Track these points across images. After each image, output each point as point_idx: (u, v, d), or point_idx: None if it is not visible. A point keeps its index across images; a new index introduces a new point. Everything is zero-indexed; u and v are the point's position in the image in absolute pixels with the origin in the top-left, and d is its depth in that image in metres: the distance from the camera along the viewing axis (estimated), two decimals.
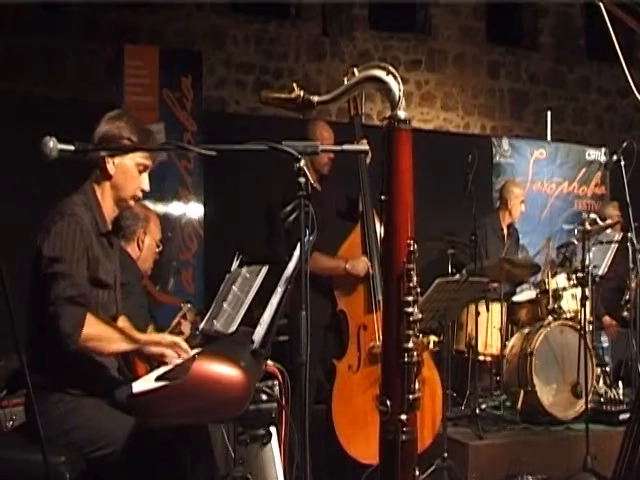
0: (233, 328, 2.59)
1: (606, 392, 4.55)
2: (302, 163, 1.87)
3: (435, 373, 3.84)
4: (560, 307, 4.69)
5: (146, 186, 2.51)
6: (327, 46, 7.85)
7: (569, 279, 4.79)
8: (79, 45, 6.76)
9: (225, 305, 2.79)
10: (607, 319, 5.64)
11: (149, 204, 4.43)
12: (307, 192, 1.86)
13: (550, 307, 4.69)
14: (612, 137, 8.66)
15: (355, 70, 1.87)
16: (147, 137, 2.52)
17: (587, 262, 4.28)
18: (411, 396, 1.77)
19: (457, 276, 4.66)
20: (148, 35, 7.04)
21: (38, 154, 1.85)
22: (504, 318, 4.82)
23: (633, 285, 5.00)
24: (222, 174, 5.49)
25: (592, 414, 4.15)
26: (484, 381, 5.03)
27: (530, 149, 7.17)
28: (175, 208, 5.44)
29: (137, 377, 2.51)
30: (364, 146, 3.33)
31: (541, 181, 7.16)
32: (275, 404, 2.75)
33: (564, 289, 4.75)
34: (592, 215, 4.61)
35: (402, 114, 1.80)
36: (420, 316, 1.79)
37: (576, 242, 4.88)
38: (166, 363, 2.43)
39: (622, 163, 4.31)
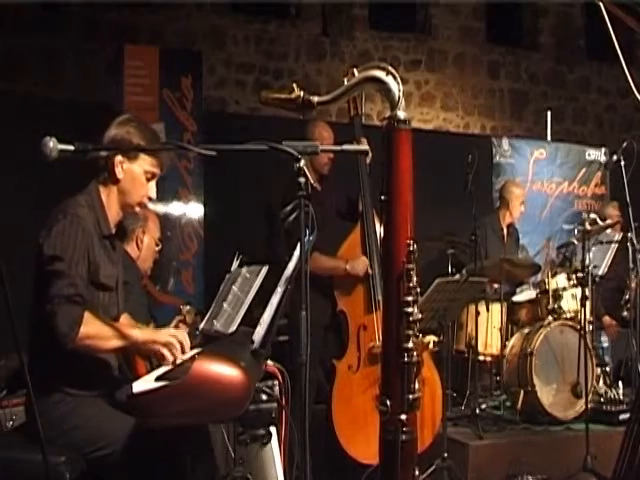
0: (233, 328, 2.59)
1: (606, 392, 4.55)
2: (302, 163, 1.87)
3: (435, 373, 3.84)
4: (560, 307, 4.69)
5: (153, 194, 2.51)
6: (327, 46, 7.85)
7: (569, 279, 4.79)
8: (79, 45, 6.76)
9: (225, 305, 2.79)
10: (607, 319, 5.64)
11: (149, 204, 4.43)
12: (307, 192, 1.86)
13: (550, 307, 4.69)
14: (612, 137, 8.66)
15: (355, 70, 1.87)
16: (155, 142, 2.52)
17: (587, 262, 4.28)
18: (411, 396, 1.77)
19: (457, 276, 4.66)
20: (148, 35, 7.04)
21: (38, 154, 1.85)
22: (504, 318, 4.82)
23: (633, 285, 5.00)
24: (222, 174, 5.49)
25: (592, 414, 4.15)
26: (484, 381, 5.03)
27: (530, 149, 7.17)
28: (175, 208, 5.44)
29: (137, 377, 2.51)
30: (364, 146, 3.34)
31: (541, 181, 7.16)
32: (275, 404, 2.74)
33: (564, 289, 4.75)
34: (592, 215, 4.61)
35: (402, 114, 1.81)
36: (420, 316, 1.79)
37: (576, 242, 4.89)
38: (166, 362, 2.43)
39: (622, 163, 4.31)
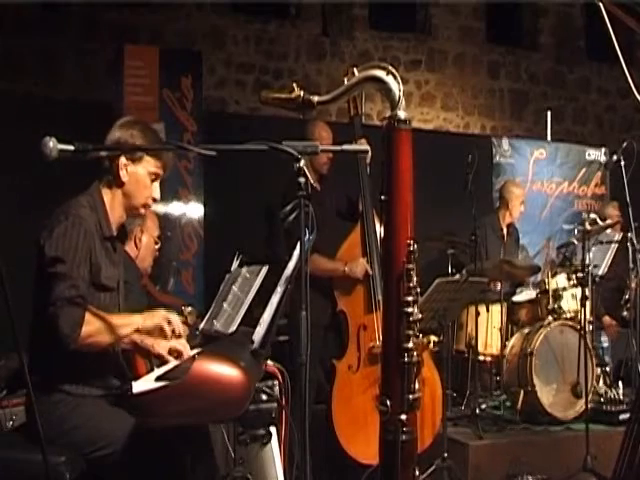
0: (233, 328, 2.59)
1: (606, 392, 4.55)
2: (302, 163, 1.87)
3: (435, 373, 3.84)
4: (560, 307, 4.69)
5: (157, 195, 2.51)
6: (327, 46, 7.85)
7: (569, 279, 4.79)
8: (79, 45, 6.75)
9: (225, 305, 2.79)
10: (607, 319, 5.64)
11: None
12: (307, 192, 1.86)
13: (550, 307, 4.69)
14: (612, 137, 8.66)
15: (355, 70, 1.87)
16: (158, 144, 2.53)
17: (587, 262, 4.28)
18: (411, 396, 1.77)
19: (457, 276, 4.66)
20: (148, 35, 7.03)
21: (38, 154, 1.85)
22: (504, 318, 4.82)
23: (633, 285, 5.00)
24: (222, 174, 5.49)
25: (592, 414, 4.15)
26: (484, 381, 5.03)
27: (530, 149, 7.17)
28: (175, 208, 5.44)
29: (137, 377, 2.51)
30: (364, 146, 3.33)
31: (541, 181, 7.16)
32: (275, 404, 2.75)
33: (564, 289, 4.75)
34: (592, 215, 4.62)
35: (402, 114, 1.81)
36: (420, 316, 1.79)
37: (576, 242, 4.89)
38: (166, 362, 2.44)
39: (622, 163, 4.31)
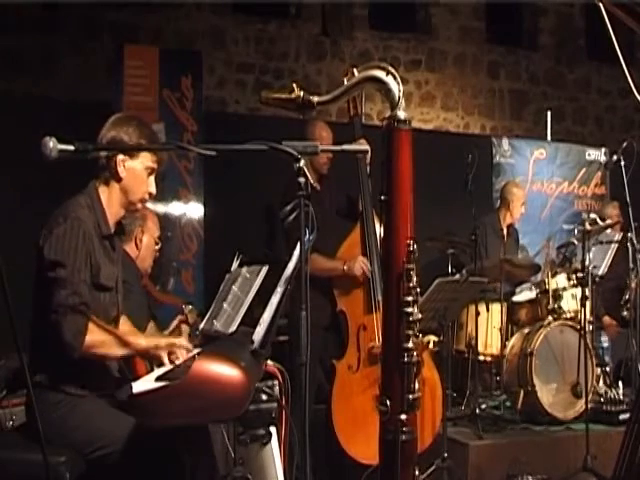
0: (233, 328, 2.59)
1: (606, 392, 4.55)
2: (302, 163, 1.87)
3: (435, 373, 3.83)
4: (560, 307, 4.69)
5: (153, 189, 2.51)
6: (327, 46, 7.85)
7: (569, 279, 4.79)
8: (79, 45, 6.75)
9: (225, 305, 2.79)
10: (607, 319, 5.64)
11: (149, 203, 4.43)
12: (307, 192, 1.86)
13: (550, 307, 4.68)
14: (612, 137, 8.65)
15: (355, 70, 1.87)
16: (152, 138, 2.52)
17: (587, 262, 4.28)
18: (411, 396, 1.77)
19: (457, 276, 4.66)
20: (148, 35, 7.03)
21: (38, 154, 1.85)
22: (504, 318, 4.82)
23: (633, 285, 5.00)
24: (222, 174, 5.49)
25: (592, 414, 4.15)
26: (484, 381, 5.03)
27: (530, 149, 7.17)
28: (175, 208, 5.44)
29: (137, 377, 2.52)
30: (364, 146, 3.33)
31: (541, 181, 7.17)
32: (275, 404, 2.75)
33: (564, 289, 4.75)
34: (592, 215, 4.62)
35: (402, 114, 1.81)
36: (420, 316, 1.79)
37: (576, 242, 4.88)
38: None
39: (622, 163, 4.31)
